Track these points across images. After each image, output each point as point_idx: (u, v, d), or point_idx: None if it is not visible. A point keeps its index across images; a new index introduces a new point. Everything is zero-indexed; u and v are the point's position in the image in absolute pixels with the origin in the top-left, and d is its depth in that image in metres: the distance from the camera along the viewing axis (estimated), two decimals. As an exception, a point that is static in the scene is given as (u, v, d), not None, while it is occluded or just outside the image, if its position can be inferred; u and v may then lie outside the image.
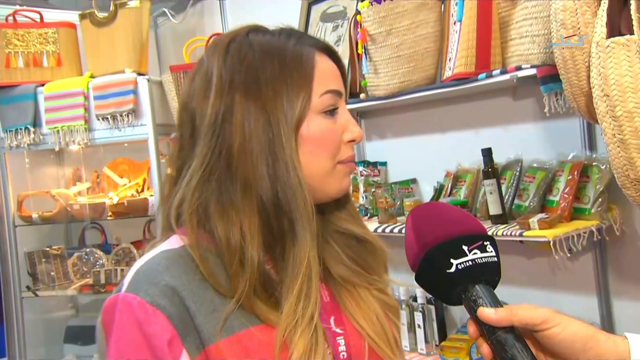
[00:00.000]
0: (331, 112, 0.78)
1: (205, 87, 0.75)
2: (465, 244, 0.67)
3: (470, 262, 0.66)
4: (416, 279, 0.71)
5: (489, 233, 1.60)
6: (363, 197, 2.22)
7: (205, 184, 0.73)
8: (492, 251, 0.68)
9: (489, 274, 0.68)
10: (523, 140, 1.81)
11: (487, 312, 0.64)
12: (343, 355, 0.76)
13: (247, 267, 0.71)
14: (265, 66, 0.75)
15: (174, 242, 0.76)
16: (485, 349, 0.65)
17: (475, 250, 0.67)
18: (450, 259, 0.66)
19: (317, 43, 0.80)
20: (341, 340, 0.77)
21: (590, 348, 0.63)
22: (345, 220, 0.83)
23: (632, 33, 1.16)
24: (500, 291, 2.18)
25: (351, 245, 0.83)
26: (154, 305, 0.68)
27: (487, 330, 0.65)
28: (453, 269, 0.66)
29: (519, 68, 1.52)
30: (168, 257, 0.74)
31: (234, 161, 0.72)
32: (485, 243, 0.68)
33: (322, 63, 0.78)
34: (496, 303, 0.66)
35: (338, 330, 0.77)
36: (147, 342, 0.67)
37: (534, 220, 1.56)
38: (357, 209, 0.86)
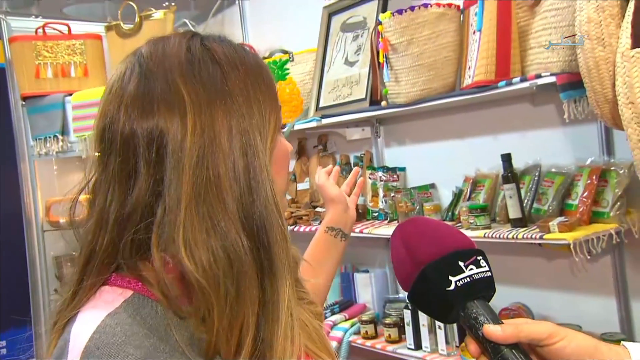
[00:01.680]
0: (281, 127, 0.71)
1: (170, 106, 0.61)
2: (461, 259, 0.64)
3: (468, 279, 0.64)
4: (409, 298, 0.68)
5: (510, 236, 1.64)
6: (382, 202, 2.24)
7: (199, 216, 0.59)
8: (485, 265, 0.66)
9: (485, 290, 0.65)
10: (542, 146, 1.83)
11: (493, 330, 0.61)
12: None
13: (251, 300, 0.60)
14: (237, 81, 0.65)
15: (110, 298, 0.61)
16: None
17: (471, 266, 0.64)
18: (448, 276, 0.63)
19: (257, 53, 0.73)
20: None
21: None
22: None
23: (656, 44, 1.18)
24: (519, 293, 2.19)
25: None
26: None
27: (492, 348, 0.61)
28: (452, 287, 0.63)
29: (538, 76, 1.54)
30: (120, 322, 0.59)
31: (224, 191, 0.61)
32: (478, 258, 0.66)
33: None
34: (496, 319, 0.63)
35: None
36: None
37: (554, 224, 1.57)
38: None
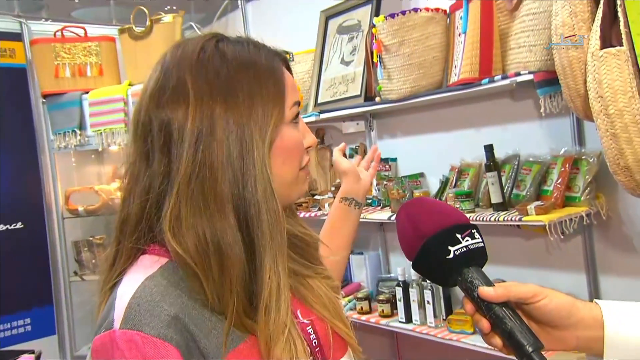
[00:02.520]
0: (295, 121, 0.75)
1: (177, 99, 0.67)
2: (458, 232, 0.69)
3: (464, 249, 0.68)
4: (414, 267, 0.72)
5: (492, 219, 1.70)
6: (376, 190, 2.29)
7: (190, 197, 0.65)
8: (479, 237, 0.70)
9: (479, 258, 0.70)
10: (520, 137, 1.88)
11: (487, 291, 0.66)
12: (315, 342, 0.74)
13: (234, 278, 0.65)
14: (241, 79, 0.69)
15: (148, 264, 0.68)
16: (484, 323, 0.66)
17: (467, 238, 0.69)
18: (447, 246, 0.68)
19: (280, 54, 0.75)
20: (310, 330, 0.75)
21: (573, 314, 0.68)
22: (289, 223, 0.78)
23: (621, 45, 1.26)
24: (500, 271, 2.26)
25: (295, 242, 0.80)
26: (162, 339, 0.60)
27: (485, 307, 0.66)
28: (451, 255, 0.68)
29: (518, 74, 1.59)
30: (157, 283, 0.65)
31: (216, 176, 0.65)
32: (473, 231, 0.70)
33: (286, 74, 0.74)
34: (489, 282, 0.68)
35: (306, 321, 0.75)
36: None
37: (531, 207, 1.63)
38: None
